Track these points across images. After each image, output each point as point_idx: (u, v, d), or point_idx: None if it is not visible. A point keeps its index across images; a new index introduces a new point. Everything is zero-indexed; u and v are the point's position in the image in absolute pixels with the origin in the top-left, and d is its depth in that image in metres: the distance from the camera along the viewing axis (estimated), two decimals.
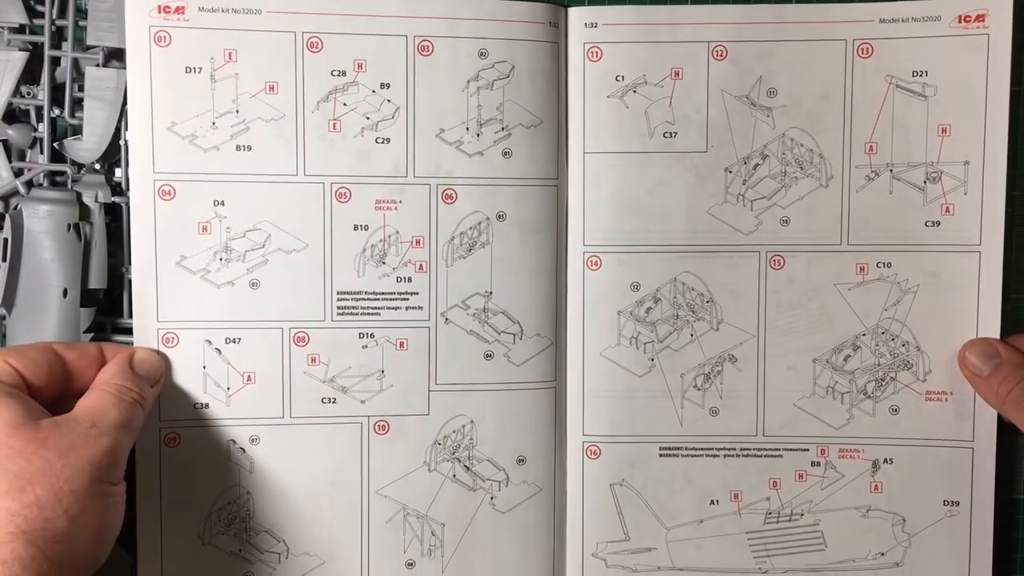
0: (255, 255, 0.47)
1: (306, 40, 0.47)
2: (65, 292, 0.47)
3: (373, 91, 0.47)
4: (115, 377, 0.43)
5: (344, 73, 0.47)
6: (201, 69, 0.47)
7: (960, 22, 0.47)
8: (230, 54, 0.47)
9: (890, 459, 0.48)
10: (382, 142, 0.47)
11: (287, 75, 0.47)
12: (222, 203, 0.47)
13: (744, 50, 0.48)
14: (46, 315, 0.47)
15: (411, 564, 0.48)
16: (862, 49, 0.47)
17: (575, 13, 0.48)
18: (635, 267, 0.48)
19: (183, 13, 0.46)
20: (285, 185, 0.47)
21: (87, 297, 0.48)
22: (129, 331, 0.48)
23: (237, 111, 0.47)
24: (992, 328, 0.47)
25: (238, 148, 0.47)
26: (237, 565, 0.48)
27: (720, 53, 0.48)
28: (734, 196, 0.48)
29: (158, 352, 0.47)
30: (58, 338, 0.47)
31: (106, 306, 0.49)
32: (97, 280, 0.48)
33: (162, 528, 0.47)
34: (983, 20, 0.46)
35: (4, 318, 0.47)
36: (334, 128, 0.47)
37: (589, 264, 0.49)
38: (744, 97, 0.48)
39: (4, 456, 0.37)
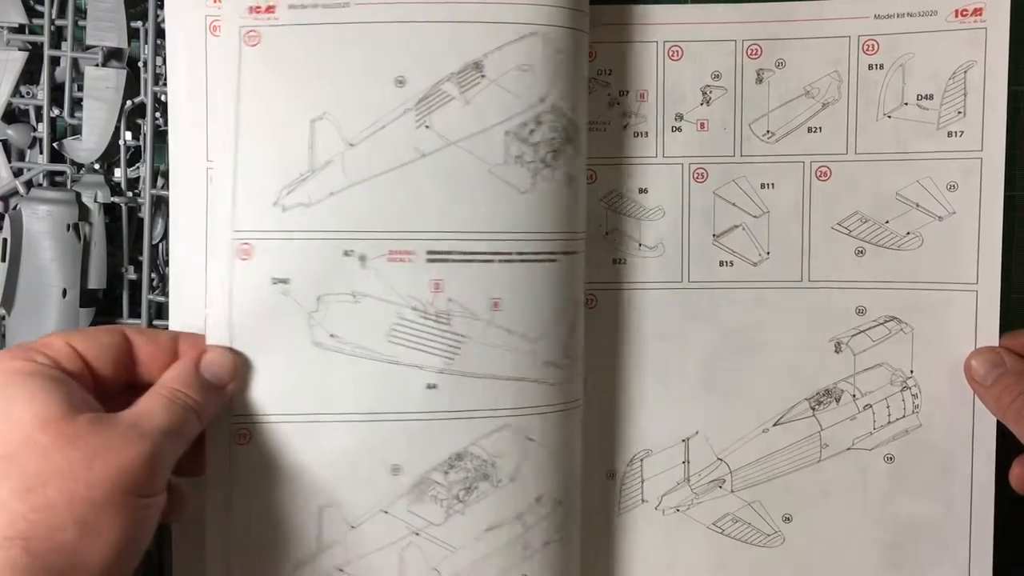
0: None
1: None
2: (64, 292, 0.47)
3: None
4: (174, 380, 0.40)
5: None
6: None
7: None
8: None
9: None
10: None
11: None
12: None
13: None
14: (46, 315, 0.47)
15: None
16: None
17: None
18: None
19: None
20: None
21: (87, 297, 0.48)
22: None
23: None
24: (991, 330, 0.47)
25: None
26: None
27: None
28: None
29: (233, 351, 0.43)
30: None
31: (105, 306, 0.49)
32: (96, 280, 0.48)
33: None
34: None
35: (3, 318, 0.48)
36: None
37: None
38: None
39: (27, 452, 0.34)
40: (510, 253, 0.44)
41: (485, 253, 0.44)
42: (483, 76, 0.44)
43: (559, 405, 0.45)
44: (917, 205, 0.47)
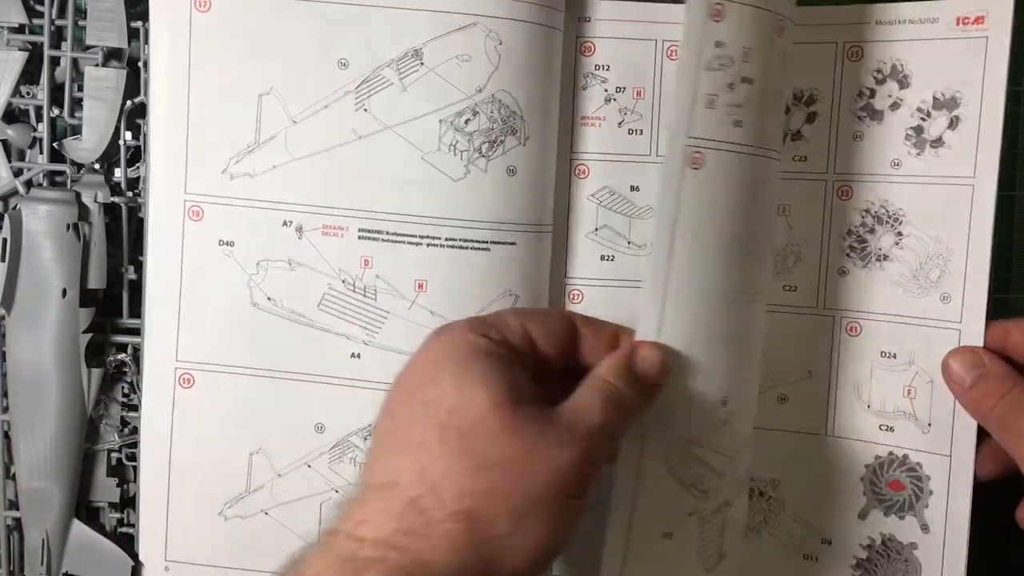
0: None
1: None
2: (64, 292, 0.48)
3: None
4: (609, 372, 0.38)
5: None
6: None
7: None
8: None
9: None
10: None
11: None
12: None
13: None
14: (45, 315, 0.47)
15: None
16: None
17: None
18: None
19: None
20: None
21: (86, 297, 0.48)
22: (128, 331, 0.49)
23: None
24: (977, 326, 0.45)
25: None
26: None
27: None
28: None
29: (662, 349, 0.40)
30: (57, 339, 0.47)
31: (105, 306, 0.49)
32: (96, 280, 0.48)
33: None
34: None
35: (3, 318, 0.48)
36: None
37: None
38: None
39: (478, 434, 0.34)
40: (439, 238, 0.46)
41: (414, 236, 0.46)
42: (421, 63, 0.45)
43: None
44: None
